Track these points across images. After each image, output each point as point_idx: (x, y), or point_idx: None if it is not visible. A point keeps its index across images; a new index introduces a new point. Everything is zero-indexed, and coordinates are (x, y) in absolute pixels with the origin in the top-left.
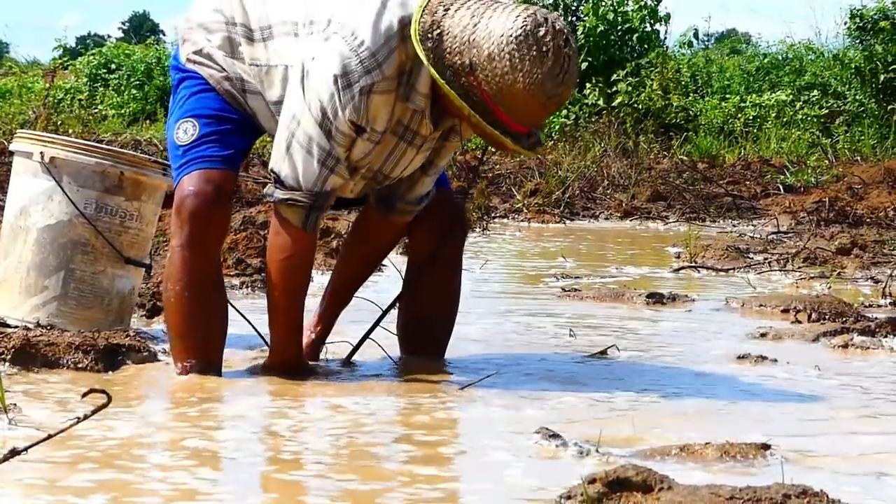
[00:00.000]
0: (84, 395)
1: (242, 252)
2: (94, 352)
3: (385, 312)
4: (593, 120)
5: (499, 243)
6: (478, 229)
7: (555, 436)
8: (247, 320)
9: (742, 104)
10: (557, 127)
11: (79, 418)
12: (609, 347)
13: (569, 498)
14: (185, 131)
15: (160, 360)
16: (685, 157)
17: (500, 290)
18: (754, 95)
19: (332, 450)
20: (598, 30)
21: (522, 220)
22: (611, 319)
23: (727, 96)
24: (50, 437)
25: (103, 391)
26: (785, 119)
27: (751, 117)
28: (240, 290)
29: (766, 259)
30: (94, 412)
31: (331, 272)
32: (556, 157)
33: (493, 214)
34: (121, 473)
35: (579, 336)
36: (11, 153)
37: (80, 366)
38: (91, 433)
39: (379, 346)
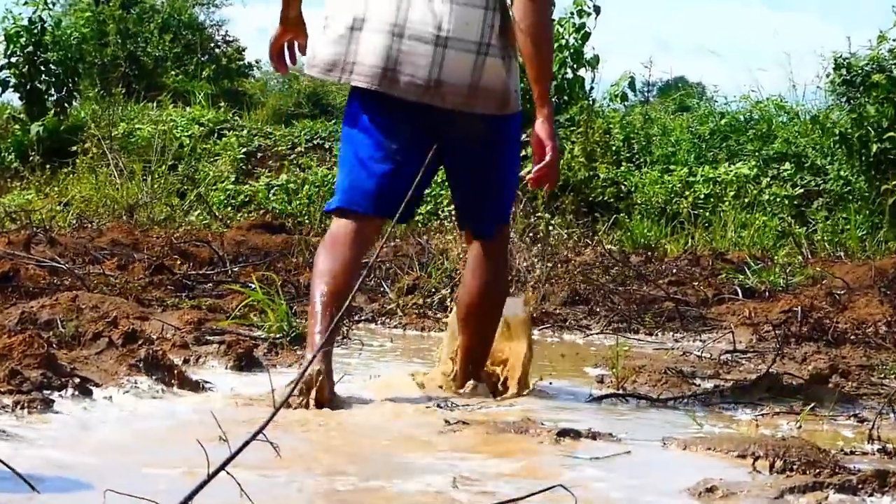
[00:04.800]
0: None
1: (19, 361)
2: None
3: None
4: None
5: (362, 357)
6: (336, 337)
7: None
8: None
9: (691, 178)
10: (447, 202)
11: None
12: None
13: None
14: None
15: None
16: (614, 248)
17: (359, 422)
18: (707, 167)
19: None
20: None
21: (396, 326)
22: (507, 465)
23: (671, 167)
24: None
25: None
26: (747, 199)
27: (702, 196)
28: (12, 412)
29: (717, 387)
30: None
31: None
32: (441, 241)
33: (355, 317)
34: None
35: (463, 490)
36: None
37: None
38: None
39: None
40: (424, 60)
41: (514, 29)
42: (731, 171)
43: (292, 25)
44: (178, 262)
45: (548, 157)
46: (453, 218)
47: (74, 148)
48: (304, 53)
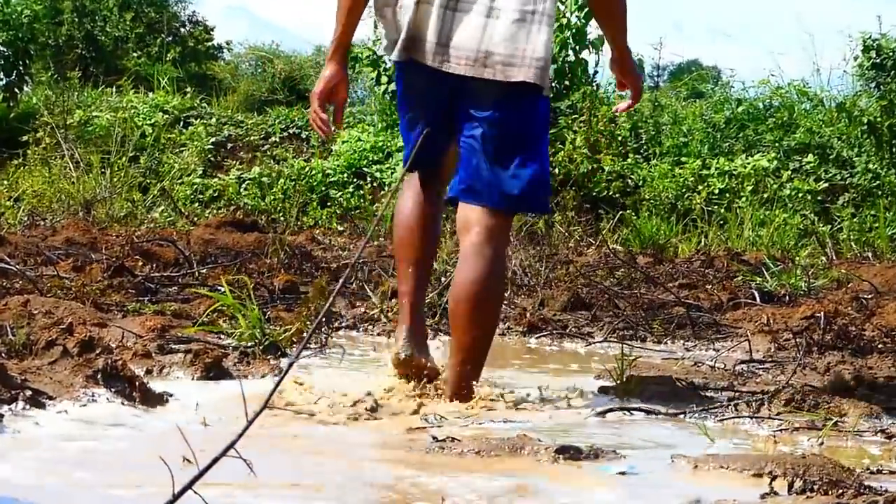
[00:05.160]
0: None
1: None
2: None
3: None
4: None
5: (341, 367)
6: (313, 345)
7: None
8: None
9: (705, 171)
10: None
11: None
12: None
13: None
14: None
15: None
16: (620, 247)
17: (341, 438)
18: (722, 159)
19: None
20: None
21: (379, 334)
22: (501, 486)
23: (683, 159)
24: None
25: None
26: (766, 195)
27: (717, 191)
28: None
29: (731, 399)
30: None
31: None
32: None
33: (336, 324)
34: None
35: None
36: None
37: None
38: None
39: None
40: (475, 32)
41: None
42: (748, 163)
43: (342, 67)
44: (140, 263)
45: (639, 88)
46: (444, 216)
47: (26, 137)
48: (338, 117)
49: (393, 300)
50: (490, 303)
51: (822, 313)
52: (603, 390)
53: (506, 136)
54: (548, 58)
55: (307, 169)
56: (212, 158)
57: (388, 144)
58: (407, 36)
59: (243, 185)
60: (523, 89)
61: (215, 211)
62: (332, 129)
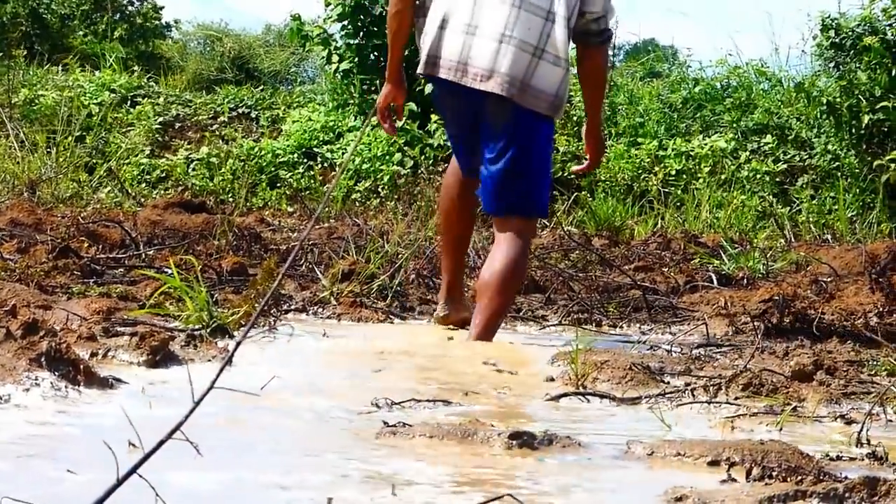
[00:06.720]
0: None
1: None
2: None
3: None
4: (440, 170)
5: (290, 351)
6: (262, 327)
7: None
8: None
9: (661, 152)
10: (388, 178)
11: None
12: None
13: None
14: None
15: None
16: (574, 230)
17: (289, 423)
18: (679, 140)
19: None
20: None
21: (329, 317)
22: (452, 472)
23: (639, 140)
24: None
25: None
26: (723, 176)
27: (673, 172)
28: None
29: (688, 385)
30: None
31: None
32: (382, 222)
33: (285, 307)
34: None
35: (403, 500)
36: None
37: None
38: None
39: None
40: (489, 53)
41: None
42: (705, 144)
43: (394, 83)
44: (86, 245)
45: (600, 157)
46: (396, 197)
47: None
48: (401, 117)
49: (343, 283)
50: (508, 290)
51: (781, 296)
52: (557, 375)
53: (516, 151)
54: (557, 94)
55: (256, 149)
56: (159, 138)
57: (339, 124)
58: (434, 55)
59: (191, 166)
60: (537, 115)
61: (163, 192)
62: (396, 127)
